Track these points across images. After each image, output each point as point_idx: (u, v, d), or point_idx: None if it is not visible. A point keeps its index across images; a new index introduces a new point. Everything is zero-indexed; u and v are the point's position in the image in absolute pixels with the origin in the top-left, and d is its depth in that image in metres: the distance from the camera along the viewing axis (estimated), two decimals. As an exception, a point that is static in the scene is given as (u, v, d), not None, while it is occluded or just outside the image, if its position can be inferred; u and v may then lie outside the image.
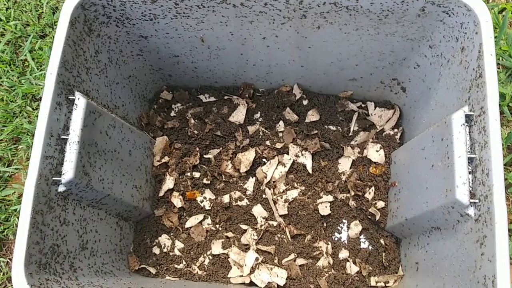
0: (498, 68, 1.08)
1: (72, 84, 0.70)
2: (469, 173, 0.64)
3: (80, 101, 0.69)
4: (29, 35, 1.17)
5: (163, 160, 0.97)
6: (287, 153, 0.98)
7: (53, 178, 0.66)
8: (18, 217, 1.04)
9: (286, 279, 0.88)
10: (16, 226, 1.04)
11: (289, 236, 0.93)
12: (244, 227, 0.94)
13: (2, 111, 1.10)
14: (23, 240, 0.61)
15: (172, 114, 1.02)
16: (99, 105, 0.77)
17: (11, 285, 1.01)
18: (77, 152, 0.68)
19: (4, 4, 1.21)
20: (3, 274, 1.01)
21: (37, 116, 1.10)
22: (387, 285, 0.88)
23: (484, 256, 0.59)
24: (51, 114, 0.65)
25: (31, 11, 1.20)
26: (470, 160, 0.64)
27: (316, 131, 0.98)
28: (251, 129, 1.00)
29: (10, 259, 1.03)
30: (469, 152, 0.65)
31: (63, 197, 0.69)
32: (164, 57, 0.90)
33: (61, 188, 0.68)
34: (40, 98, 1.13)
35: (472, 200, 0.63)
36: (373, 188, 0.93)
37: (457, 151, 0.64)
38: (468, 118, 0.66)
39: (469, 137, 0.65)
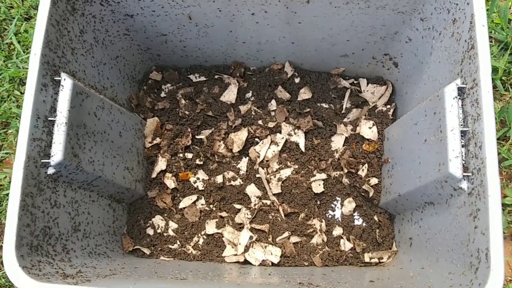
0: (491, 41, 1.07)
1: (57, 65, 0.69)
2: (462, 146, 0.64)
3: (66, 82, 0.68)
4: (14, 18, 1.15)
5: (154, 142, 0.96)
6: (280, 132, 0.97)
7: (42, 161, 0.65)
8: (10, 202, 1.03)
9: (280, 257, 0.88)
10: (8, 211, 1.03)
11: (282, 215, 0.92)
12: (238, 206, 0.94)
13: (-11, 95, 1.09)
14: (13, 223, 0.60)
15: (162, 94, 1.01)
16: (87, 86, 0.75)
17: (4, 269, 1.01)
18: (65, 133, 0.67)
19: (-13, -14, 1.18)
20: (-3, 259, 1.00)
21: (25, 100, 1.09)
22: (381, 261, 0.88)
23: (478, 229, 0.59)
24: (37, 96, 0.64)
25: (15, -7, 1.17)
26: (463, 133, 0.64)
27: (308, 109, 0.97)
28: (243, 108, 0.99)
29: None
30: (461, 125, 0.64)
31: (53, 179, 0.68)
32: (152, 36, 0.88)
33: (51, 170, 0.67)
34: (28, 81, 1.11)
35: (465, 174, 0.62)
36: (366, 165, 0.93)
37: (449, 125, 0.64)
38: (460, 91, 0.65)
39: (462, 110, 0.65)
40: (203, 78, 1.00)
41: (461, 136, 0.64)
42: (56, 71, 0.68)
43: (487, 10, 1.04)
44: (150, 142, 0.96)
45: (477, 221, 0.60)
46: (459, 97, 0.65)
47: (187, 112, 0.98)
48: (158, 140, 0.97)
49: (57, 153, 0.66)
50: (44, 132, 0.65)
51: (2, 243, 1.03)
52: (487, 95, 0.60)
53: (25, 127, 0.62)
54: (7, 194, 1.03)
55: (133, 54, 0.92)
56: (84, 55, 0.76)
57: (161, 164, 0.96)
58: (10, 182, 1.04)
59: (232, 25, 0.83)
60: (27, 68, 1.11)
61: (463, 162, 0.63)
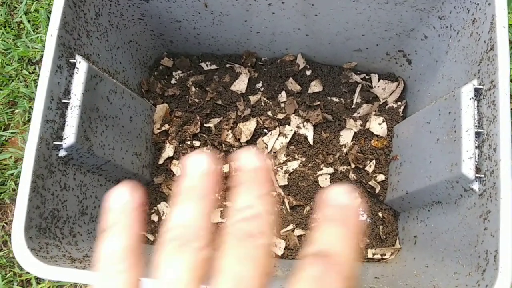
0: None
1: (72, 47, 0.68)
2: (476, 147, 0.64)
3: (82, 65, 0.67)
4: (25, -4, 1.14)
5: (163, 128, 0.96)
6: (289, 124, 0.97)
7: (54, 143, 0.65)
8: (14, 182, 1.03)
9: (284, 249, 0.89)
10: (13, 190, 1.03)
11: (288, 207, 0.93)
12: (243, 197, 0.94)
13: (-3, 74, 1.08)
14: (23, 204, 0.60)
15: (173, 81, 1.00)
16: (100, 70, 0.75)
17: (7, 249, 1.01)
18: (79, 116, 0.66)
19: (-1, -37, 1.17)
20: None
21: (33, 80, 1.08)
22: (383, 257, 0.88)
23: (487, 231, 0.59)
24: (51, 77, 0.63)
25: (26, -29, 1.16)
26: (477, 135, 0.64)
27: (318, 102, 0.97)
28: (253, 98, 0.98)
29: (6, 223, 1.03)
30: (476, 126, 0.64)
31: (63, 162, 0.68)
32: (166, 22, 0.87)
33: (62, 153, 0.66)
34: (37, 61, 1.10)
35: (477, 175, 0.62)
36: (374, 161, 0.93)
37: (465, 125, 0.64)
38: (477, 91, 0.65)
39: (477, 111, 0.65)
40: (214, 67, 1.00)
41: (476, 137, 0.64)
42: (71, 53, 0.68)
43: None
44: (158, 129, 0.96)
45: (487, 223, 0.60)
46: (475, 98, 0.65)
47: (196, 100, 0.98)
48: (166, 126, 0.96)
49: (69, 135, 0.66)
50: (57, 114, 0.65)
51: (5, 222, 1.03)
52: (504, 97, 0.60)
53: (39, 108, 0.62)
54: (12, 174, 1.03)
55: (146, 39, 0.92)
56: (98, 38, 0.76)
57: (169, 151, 0.96)
58: (15, 162, 1.04)
59: (247, 14, 0.82)
60: (37, 48, 1.10)
61: (476, 163, 0.63)
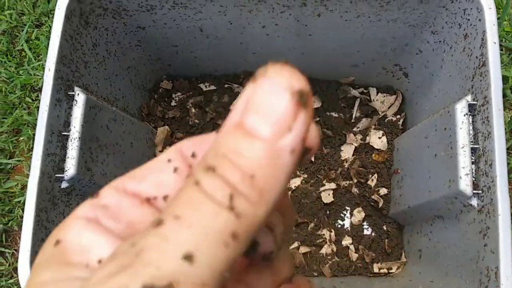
0: (501, 50, 1.07)
1: (71, 79, 0.70)
2: (472, 163, 0.64)
3: (80, 97, 0.69)
4: (25, 25, 1.16)
5: (165, 150, 0.97)
6: (289, 141, 0.97)
7: (56, 175, 0.66)
8: (22, 209, 1.05)
9: (290, 266, 0.89)
10: (20, 217, 1.04)
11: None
12: (247, 215, 0.95)
13: (1, 102, 1.10)
14: (28, 238, 0.61)
15: (173, 103, 1.02)
16: (99, 99, 0.76)
17: (17, 275, 1.02)
18: (79, 148, 0.67)
19: (-1, -7, 1.19)
20: (9, 265, 1.02)
21: (36, 108, 1.10)
22: (390, 271, 0.88)
23: (487, 248, 0.59)
24: (51, 111, 0.65)
25: (25, 0, 1.18)
26: (473, 151, 0.64)
27: (318, 118, 0.97)
28: (252, 117, 0.99)
29: (16, 250, 1.04)
30: (472, 142, 0.64)
31: (66, 193, 0.69)
32: (163, 47, 0.89)
33: (64, 185, 0.68)
34: (39, 88, 1.12)
35: (475, 191, 0.63)
36: (376, 175, 0.93)
37: (460, 142, 0.64)
38: (471, 107, 0.65)
39: (472, 126, 0.65)
40: (213, 87, 1.01)
41: (472, 153, 0.64)
42: (69, 85, 0.69)
43: (498, 18, 1.03)
44: (160, 151, 0.97)
45: (486, 239, 0.60)
46: (469, 113, 0.65)
47: (197, 121, 0.99)
48: (168, 148, 0.97)
49: (70, 167, 0.67)
50: (58, 147, 0.66)
51: (14, 249, 1.04)
52: (498, 113, 0.60)
53: (39, 142, 0.63)
54: (19, 202, 1.05)
55: (144, 64, 0.93)
56: (96, 68, 0.77)
57: (171, 173, 0.96)
58: (21, 189, 1.06)
59: (242, 37, 0.83)
60: (39, 75, 1.12)
61: (473, 179, 0.64)
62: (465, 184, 0.63)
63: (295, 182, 0.95)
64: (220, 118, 0.98)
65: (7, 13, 1.17)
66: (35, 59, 1.14)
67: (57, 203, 0.67)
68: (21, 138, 1.09)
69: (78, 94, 0.69)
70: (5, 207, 1.04)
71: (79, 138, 0.68)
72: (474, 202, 0.63)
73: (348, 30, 0.79)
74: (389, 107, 0.97)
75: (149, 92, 1.00)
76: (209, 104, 1.00)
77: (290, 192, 0.94)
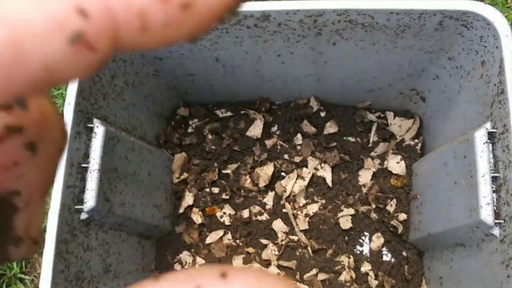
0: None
1: (90, 111, 0.71)
2: (493, 192, 0.63)
3: (99, 129, 0.70)
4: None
5: (182, 177, 0.98)
6: (306, 167, 0.97)
7: (75, 207, 0.67)
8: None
9: (309, 294, 0.88)
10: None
11: (310, 251, 0.92)
12: (264, 242, 0.94)
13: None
14: (48, 271, 0.62)
15: (190, 130, 1.02)
16: (118, 129, 0.77)
17: (38, 302, 1.03)
18: (98, 179, 0.68)
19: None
20: (30, 292, 1.03)
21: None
22: (411, 299, 0.87)
23: (511, 279, 0.58)
24: (71, 144, 0.66)
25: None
26: (494, 179, 0.63)
27: (335, 143, 0.97)
28: (269, 142, 0.99)
29: (35, 276, 1.05)
30: (492, 171, 0.63)
31: (85, 224, 0.70)
32: (180, 76, 0.90)
33: (84, 216, 0.68)
34: (60, 116, 1.14)
35: (496, 221, 0.61)
36: (394, 200, 0.92)
37: (480, 170, 0.63)
38: (490, 135, 0.64)
39: (493, 155, 0.64)
40: (229, 113, 1.02)
41: (492, 181, 0.63)
42: (89, 118, 0.70)
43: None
44: (177, 178, 0.97)
45: (509, 270, 0.59)
46: (489, 141, 0.64)
47: (213, 147, 0.99)
48: (185, 175, 0.98)
49: (90, 199, 0.68)
50: (77, 179, 0.67)
51: (34, 276, 1.05)
52: (518, 142, 0.59)
53: (60, 175, 0.64)
54: (40, 227, 1.06)
55: (161, 92, 0.94)
56: (115, 99, 0.78)
57: (188, 199, 0.97)
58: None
59: (258, 65, 0.84)
60: (58, 103, 1.15)
61: (495, 208, 0.62)
62: (486, 214, 0.62)
63: (313, 208, 0.94)
64: (237, 144, 0.99)
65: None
66: (55, 88, 1.16)
67: (76, 234, 0.68)
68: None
69: (97, 126, 0.70)
70: (26, 234, 1.05)
71: (98, 170, 0.69)
72: (496, 231, 0.62)
73: (364, 57, 0.79)
74: (406, 131, 0.96)
75: (166, 119, 1.01)
76: (225, 130, 1.00)
77: (308, 218, 0.94)
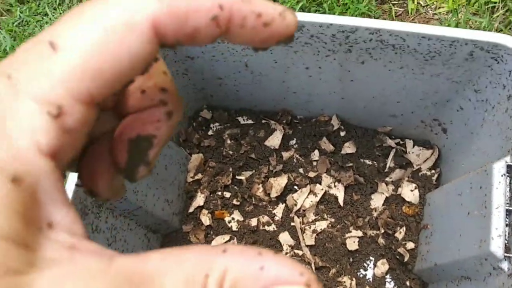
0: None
1: (118, 97, 0.73)
2: (506, 225, 0.62)
3: (124, 115, 0.72)
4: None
5: (196, 177, 0.99)
6: (320, 183, 0.97)
7: (90, 186, 0.68)
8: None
9: (307, 310, 0.87)
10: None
11: (313, 268, 0.92)
12: (269, 252, 0.94)
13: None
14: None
15: (210, 133, 1.04)
16: (141, 119, 0.79)
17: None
18: (116, 163, 0.70)
19: (60, 14, 1.27)
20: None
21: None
22: (410, 329, 0.85)
23: (515, 315, 0.57)
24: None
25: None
26: (508, 213, 0.62)
27: (351, 164, 0.97)
28: (286, 155, 1.00)
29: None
30: (507, 204, 0.63)
31: (97, 205, 0.71)
32: (208, 78, 0.92)
33: (97, 197, 0.70)
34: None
35: (506, 254, 0.61)
36: (404, 228, 0.91)
37: (495, 202, 0.63)
38: (510, 168, 0.64)
39: (509, 188, 0.63)
40: (250, 121, 1.03)
41: (506, 215, 0.62)
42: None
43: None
44: (192, 177, 0.98)
45: (515, 306, 0.58)
46: (507, 174, 0.64)
47: (231, 152, 1.00)
48: (199, 176, 0.99)
49: (105, 180, 0.69)
50: (96, 160, 0.69)
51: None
52: (537, 177, 0.59)
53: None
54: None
55: (188, 92, 0.96)
56: (143, 90, 0.80)
57: (200, 200, 0.98)
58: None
59: (285, 76, 0.86)
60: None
61: (506, 242, 0.62)
62: (496, 246, 0.61)
63: (321, 225, 0.94)
64: (254, 152, 1.00)
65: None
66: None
67: (88, 213, 0.69)
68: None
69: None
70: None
71: (118, 153, 0.70)
72: (505, 265, 0.61)
73: (391, 80, 0.80)
74: (424, 161, 0.96)
75: (188, 120, 1.03)
76: (244, 137, 1.01)
77: (315, 234, 0.93)
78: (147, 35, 0.16)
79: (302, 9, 1.19)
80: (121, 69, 0.16)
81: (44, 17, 1.27)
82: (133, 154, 0.21)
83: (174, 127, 0.24)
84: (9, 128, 0.15)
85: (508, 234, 0.62)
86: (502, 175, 0.64)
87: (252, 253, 0.16)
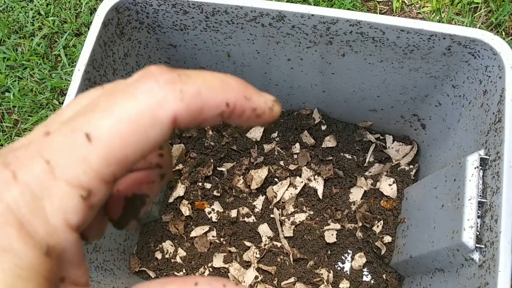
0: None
1: (98, 82, 0.72)
2: (478, 217, 0.63)
3: (103, 100, 0.71)
4: (65, 32, 1.22)
5: (177, 168, 0.99)
6: (300, 176, 0.98)
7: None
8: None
9: (283, 301, 0.88)
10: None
11: (291, 259, 0.92)
12: (248, 244, 0.94)
13: (30, 101, 1.14)
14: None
15: (192, 123, 1.04)
16: (121, 106, 0.79)
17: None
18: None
19: (45, 0, 1.26)
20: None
21: (62, 110, 1.13)
22: (384, 321, 0.86)
23: (484, 304, 0.58)
24: (73, 109, 0.67)
25: (69, 9, 1.24)
26: (481, 204, 0.63)
27: (331, 157, 0.98)
28: (267, 147, 1.00)
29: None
30: (480, 196, 0.64)
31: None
32: (190, 67, 0.92)
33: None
34: (68, 93, 1.16)
35: (477, 245, 0.62)
36: (382, 221, 0.92)
37: (468, 194, 0.64)
38: (483, 161, 0.65)
39: (482, 181, 0.65)
40: (233, 113, 1.03)
41: (479, 206, 0.63)
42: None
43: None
44: (172, 168, 0.98)
45: (485, 296, 0.59)
46: (480, 167, 0.65)
47: (212, 143, 1.00)
48: (180, 166, 0.99)
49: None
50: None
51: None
52: (509, 169, 0.60)
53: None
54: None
55: (170, 82, 0.96)
56: (124, 77, 0.80)
57: (180, 190, 0.98)
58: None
59: (267, 67, 0.86)
60: (69, 81, 1.17)
61: (477, 233, 0.63)
62: (468, 237, 0.62)
63: (300, 217, 0.95)
64: (235, 144, 1.00)
65: (51, 19, 1.23)
66: (69, 65, 1.19)
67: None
68: (42, 138, 1.12)
69: (102, 97, 0.71)
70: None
71: (96, 138, 0.70)
72: (476, 256, 0.62)
73: (371, 74, 0.81)
74: (403, 157, 0.97)
75: (170, 110, 1.03)
76: (226, 128, 1.02)
77: (294, 226, 0.94)
78: (167, 127, 0.19)
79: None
80: (142, 154, 0.19)
81: (29, 3, 1.26)
82: (127, 210, 0.23)
83: (163, 187, 0.25)
84: (46, 208, 0.18)
85: (480, 225, 0.63)
86: (475, 168, 0.65)
87: (217, 285, 0.19)
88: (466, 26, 1.17)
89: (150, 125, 0.18)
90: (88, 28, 1.23)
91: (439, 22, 1.19)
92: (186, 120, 0.19)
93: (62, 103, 1.15)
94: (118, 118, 0.18)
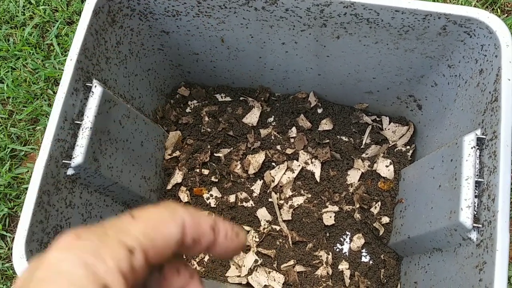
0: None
1: (91, 71, 0.72)
2: (475, 197, 0.63)
3: (97, 89, 0.71)
4: (57, 21, 1.20)
5: (174, 154, 0.98)
6: (297, 160, 0.98)
7: (63, 161, 0.68)
8: (28, 197, 1.06)
9: (283, 284, 0.88)
10: (26, 205, 1.06)
11: (290, 242, 0.93)
12: (247, 228, 0.95)
13: (24, 91, 1.13)
14: (27, 218, 0.62)
15: (188, 110, 1.03)
16: (116, 95, 0.78)
17: (16, 262, 1.03)
18: (89, 138, 0.69)
19: (36, -12, 1.24)
20: (8, 249, 1.03)
21: (56, 100, 1.13)
22: (384, 301, 0.87)
23: (482, 283, 0.59)
24: (67, 99, 0.67)
25: (61, -3, 1.23)
26: (478, 184, 0.64)
27: (328, 140, 0.98)
28: (264, 132, 1.00)
29: (17, 237, 1.06)
30: (477, 175, 0.64)
31: (71, 180, 0.70)
32: (184, 54, 0.91)
33: (70, 172, 0.69)
34: (62, 82, 1.15)
35: (475, 225, 0.62)
36: (379, 203, 0.93)
37: (465, 174, 0.64)
38: (479, 141, 0.65)
39: (479, 160, 0.65)
40: (228, 99, 1.03)
41: (476, 186, 0.64)
42: (88, 77, 0.71)
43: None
44: (170, 155, 0.98)
45: (482, 274, 0.59)
46: (477, 147, 0.65)
47: (209, 129, 1.00)
48: (177, 153, 0.99)
49: (78, 155, 0.68)
50: (69, 134, 0.68)
51: (13, 233, 1.05)
52: (505, 149, 0.60)
53: (52, 127, 0.65)
54: (27, 188, 1.07)
55: (165, 69, 0.95)
56: (117, 65, 0.79)
57: (177, 177, 0.98)
58: (30, 177, 1.08)
59: (262, 51, 0.85)
60: (63, 70, 1.16)
61: (475, 212, 0.63)
62: (465, 216, 0.62)
63: (298, 201, 0.95)
64: (232, 129, 1.00)
65: (42, 8, 1.21)
66: (62, 54, 1.17)
67: (61, 189, 0.68)
68: (38, 128, 1.11)
69: (95, 86, 0.71)
70: (12, 192, 1.06)
71: (91, 128, 0.69)
72: (473, 235, 0.62)
73: (366, 56, 0.80)
74: (400, 138, 0.97)
75: (166, 97, 1.02)
76: (222, 114, 1.01)
77: (292, 209, 0.94)
78: (178, 232, 0.25)
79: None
80: (165, 248, 0.25)
81: (17, -7, 1.24)
82: None
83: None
84: None
85: (477, 205, 0.63)
86: (472, 148, 0.65)
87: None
88: (461, 4, 1.16)
89: (167, 235, 0.25)
90: (80, 16, 1.21)
91: (434, 1, 1.18)
92: (190, 230, 0.26)
93: (56, 92, 1.14)
94: (146, 224, 0.25)
